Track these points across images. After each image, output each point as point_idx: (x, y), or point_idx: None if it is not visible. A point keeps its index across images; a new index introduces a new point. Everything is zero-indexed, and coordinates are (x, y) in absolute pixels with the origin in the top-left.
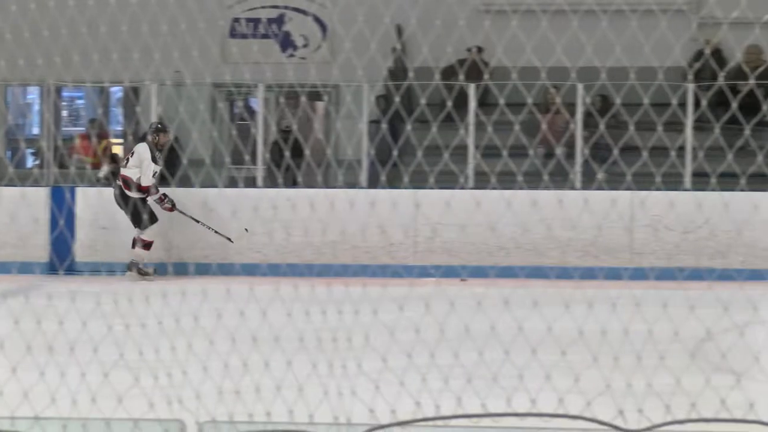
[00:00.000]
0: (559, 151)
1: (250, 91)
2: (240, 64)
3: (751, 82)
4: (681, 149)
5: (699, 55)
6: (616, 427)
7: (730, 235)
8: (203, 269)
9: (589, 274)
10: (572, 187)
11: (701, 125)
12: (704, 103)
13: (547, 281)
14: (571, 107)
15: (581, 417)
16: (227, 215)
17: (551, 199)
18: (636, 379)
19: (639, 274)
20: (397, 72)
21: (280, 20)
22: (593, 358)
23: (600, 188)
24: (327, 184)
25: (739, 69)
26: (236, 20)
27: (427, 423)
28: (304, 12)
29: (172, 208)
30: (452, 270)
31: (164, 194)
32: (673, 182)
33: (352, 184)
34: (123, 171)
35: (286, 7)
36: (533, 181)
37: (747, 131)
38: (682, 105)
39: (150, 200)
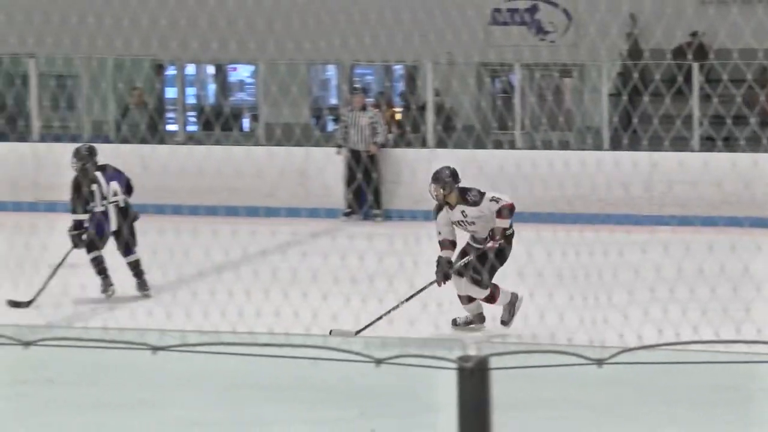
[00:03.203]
0: None
1: (510, 69)
2: (502, 46)
3: None
4: None
5: None
6: None
7: None
8: None
9: None
10: None
11: None
12: None
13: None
14: None
15: None
16: (494, 171)
17: None
18: None
19: None
20: (633, 53)
21: (533, 10)
22: None
23: None
24: (577, 147)
25: None
26: (497, 10)
27: (668, 347)
28: (554, 4)
29: None
30: (686, 219)
31: None
32: None
33: (599, 147)
34: None
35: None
36: (753, 145)
37: None
38: None
39: None
